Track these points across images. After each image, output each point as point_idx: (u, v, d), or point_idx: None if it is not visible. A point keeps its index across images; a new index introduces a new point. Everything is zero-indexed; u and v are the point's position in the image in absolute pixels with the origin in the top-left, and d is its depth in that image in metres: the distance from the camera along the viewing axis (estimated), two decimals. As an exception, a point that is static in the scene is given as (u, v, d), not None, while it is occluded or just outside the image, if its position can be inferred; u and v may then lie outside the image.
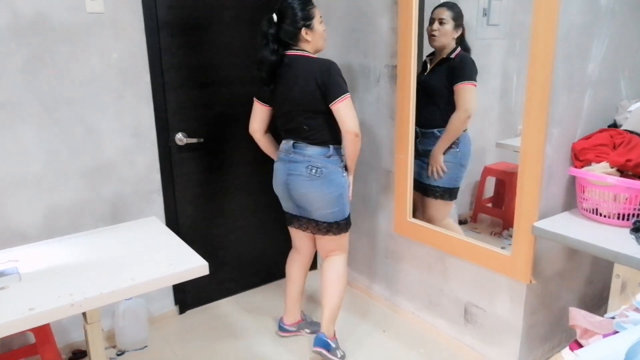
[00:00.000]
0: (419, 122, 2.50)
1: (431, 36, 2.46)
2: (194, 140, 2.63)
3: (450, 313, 2.48)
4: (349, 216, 2.31)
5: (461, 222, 2.93)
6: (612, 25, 1.96)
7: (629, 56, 2.10)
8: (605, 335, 1.04)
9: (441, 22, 2.44)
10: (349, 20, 2.72)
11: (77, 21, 2.20)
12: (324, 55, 2.95)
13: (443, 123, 2.49)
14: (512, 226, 2.06)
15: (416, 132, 2.50)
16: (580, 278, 2.31)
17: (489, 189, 2.97)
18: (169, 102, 2.54)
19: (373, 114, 2.69)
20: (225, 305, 2.93)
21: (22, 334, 2.25)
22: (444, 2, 2.47)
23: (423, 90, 2.47)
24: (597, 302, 2.37)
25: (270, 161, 2.38)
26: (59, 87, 2.21)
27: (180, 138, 2.60)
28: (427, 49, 2.54)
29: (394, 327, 2.68)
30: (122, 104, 2.39)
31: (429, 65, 2.54)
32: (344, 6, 2.75)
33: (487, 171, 2.92)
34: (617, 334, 0.99)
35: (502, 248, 2.17)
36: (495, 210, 2.97)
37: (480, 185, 2.95)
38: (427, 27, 2.48)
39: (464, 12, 2.76)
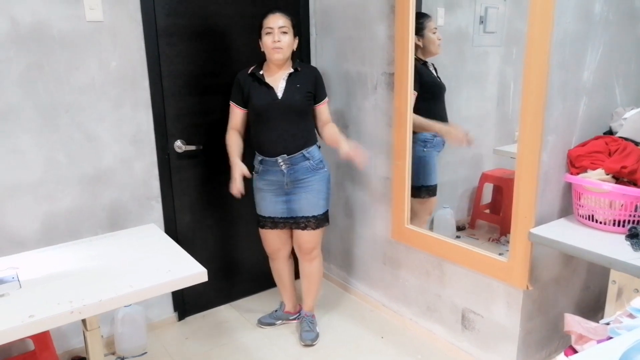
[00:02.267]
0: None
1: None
2: (192, 148, 2.64)
3: (447, 319, 2.48)
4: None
5: (459, 228, 2.95)
6: (606, 33, 1.98)
7: (623, 63, 2.12)
8: (599, 341, 1.05)
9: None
10: (347, 28, 2.74)
11: (77, 29, 2.22)
12: (321, 62, 2.99)
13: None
14: (509, 232, 2.07)
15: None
16: (577, 284, 2.32)
17: (487, 196, 2.99)
18: (168, 110, 2.55)
19: (370, 121, 2.70)
20: (224, 312, 2.93)
21: (22, 341, 2.25)
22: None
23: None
24: (593, 308, 2.38)
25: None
26: (57, 94, 2.23)
27: (179, 145, 2.61)
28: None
29: (392, 333, 2.68)
30: (121, 111, 2.41)
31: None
32: (341, 14, 2.77)
33: (484, 177, 2.94)
34: (610, 340, 1.00)
35: (500, 254, 2.18)
36: (492, 216, 2.98)
37: (478, 192, 2.96)
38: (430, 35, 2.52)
39: (460, 19, 2.79)
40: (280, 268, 2.68)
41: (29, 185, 2.23)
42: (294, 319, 2.77)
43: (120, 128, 2.42)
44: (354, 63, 2.75)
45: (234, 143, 2.44)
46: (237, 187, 2.37)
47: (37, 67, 2.16)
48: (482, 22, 2.71)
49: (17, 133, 2.17)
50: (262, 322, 2.76)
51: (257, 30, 2.34)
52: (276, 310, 2.81)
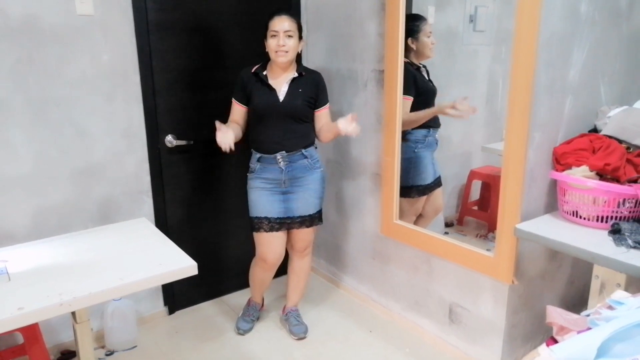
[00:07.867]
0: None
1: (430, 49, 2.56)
2: (183, 143, 2.65)
3: (435, 313, 2.52)
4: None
5: (447, 225, 2.98)
6: (592, 32, 2.01)
7: (609, 63, 2.15)
8: (579, 332, 1.08)
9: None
10: (338, 25, 2.76)
11: (67, 23, 2.21)
12: (312, 59, 3.00)
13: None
14: (497, 229, 2.10)
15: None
16: (562, 279, 2.36)
17: (475, 193, 3.03)
18: (159, 104, 2.55)
19: (361, 118, 2.71)
20: (214, 306, 2.95)
21: (11, 334, 2.25)
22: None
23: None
24: (577, 303, 2.42)
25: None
26: (48, 88, 2.22)
27: (169, 140, 2.61)
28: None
29: (380, 327, 2.71)
30: (112, 105, 2.41)
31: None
32: (333, 12, 2.78)
33: (473, 175, 2.97)
34: (590, 330, 1.03)
35: (488, 250, 2.21)
36: (480, 213, 3.02)
37: (466, 189, 3.00)
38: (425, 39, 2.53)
39: (450, 18, 2.81)
40: (267, 278, 2.60)
41: (19, 179, 2.23)
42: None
43: (111, 122, 2.42)
44: (344, 60, 2.76)
45: (231, 126, 2.32)
46: (221, 133, 2.18)
47: (28, 61, 2.15)
48: (472, 20, 2.74)
49: (8, 127, 2.16)
50: (242, 329, 2.65)
51: (262, 31, 2.30)
52: (250, 313, 2.72)
